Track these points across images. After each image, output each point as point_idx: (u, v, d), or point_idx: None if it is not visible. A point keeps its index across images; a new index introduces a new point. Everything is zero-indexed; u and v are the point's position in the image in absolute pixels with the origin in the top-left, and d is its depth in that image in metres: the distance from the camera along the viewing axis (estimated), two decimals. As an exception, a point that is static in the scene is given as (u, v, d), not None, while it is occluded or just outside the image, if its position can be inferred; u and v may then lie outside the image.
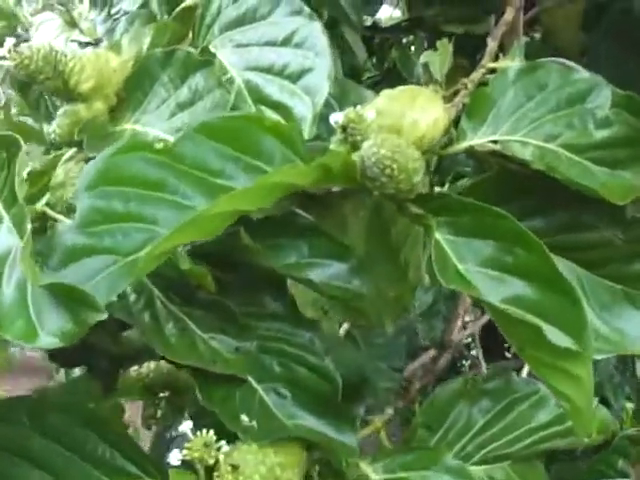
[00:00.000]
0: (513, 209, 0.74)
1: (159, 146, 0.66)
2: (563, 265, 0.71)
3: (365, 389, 1.10)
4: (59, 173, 0.83)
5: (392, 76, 1.74)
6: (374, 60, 1.98)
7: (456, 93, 0.88)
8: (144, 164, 0.65)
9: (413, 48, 1.77)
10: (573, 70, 0.76)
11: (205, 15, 0.88)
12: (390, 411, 0.95)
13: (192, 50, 0.80)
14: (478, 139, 0.76)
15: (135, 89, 0.84)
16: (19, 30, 1.43)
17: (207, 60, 0.78)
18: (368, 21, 1.71)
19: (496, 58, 0.96)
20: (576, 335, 0.61)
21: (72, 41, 1.28)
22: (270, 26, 0.82)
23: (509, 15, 1.01)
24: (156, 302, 0.75)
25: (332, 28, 1.29)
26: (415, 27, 1.73)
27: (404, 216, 0.73)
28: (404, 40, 1.81)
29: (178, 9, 0.97)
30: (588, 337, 0.61)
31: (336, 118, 0.71)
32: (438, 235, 0.69)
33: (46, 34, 1.32)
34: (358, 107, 0.73)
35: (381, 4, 1.74)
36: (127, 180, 0.65)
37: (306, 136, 0.74)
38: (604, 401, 1.59)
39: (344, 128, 0.71)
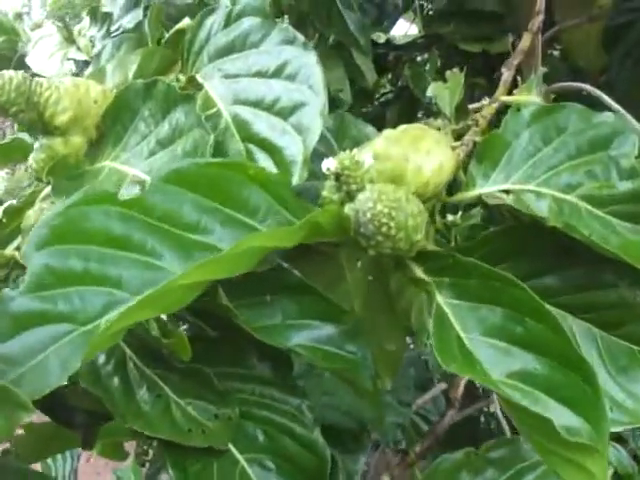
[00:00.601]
0: (525, 264, 0.66)
1: (124, 197, 0.58)
2: (578, 326, 0.64)
3: (365, 438, 1.01)
4: (30, 214, 0.74)
5: (405, 95, 1.64)
6: (389, 75, 1.89)
7: (467, 128, 0.79)
8: (107, 218, 0.57)
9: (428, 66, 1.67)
10: (596, 112, 0.66)
11: (194, 41, 0.79)
12: (386, 478, 0.86)
13: (173, 84, 0.71)
14: (488, 187, 0.66)
15: (115, 122, 0.75)
16: (20, 45, 1.35)
17: (188, 95, 0.69)
18: (382, 38, 1.62)
19: (513, 86, 0.87)
20: (591, 420, 0.53)
21: (68, 59, 1.20)
22: (261, 55, 0.73)
23: (526, 42, 0.91)
24: (128, 364, 0.67)
25: (340, 48, 1.20)
26: (431, 45, 1.64)
27: (403, 275, 0.63)
28: (419, 58, 1.72)
29: (170, 32, 0.89)
30: (604, 426, 0.52)
31: (328, 164, 0.62)
32: (440, 298, 0.60)
33: (43, 50, 1.24)
34: (354, 151, 0.64)
35: (396, 21, 1.64)
36: (87, 236, 0.56)
37: (295, 182, 0.66)
38: (620, 439, 1.48)
39: (338, 176, 0.62)
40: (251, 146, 0.70)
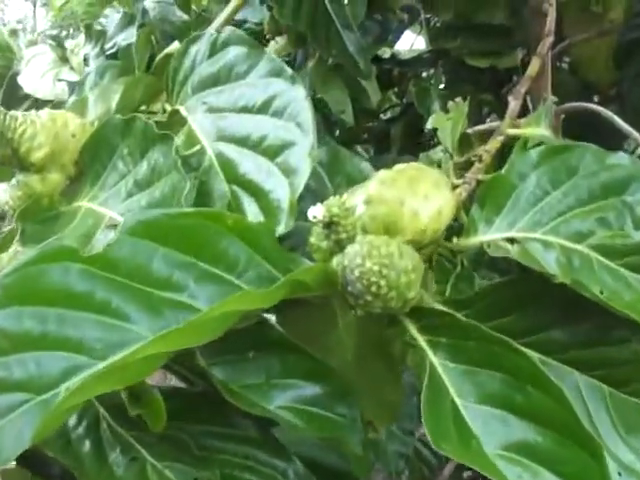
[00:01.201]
0: (530, 317, 0.60)
1: (87, 253, 0.52)
2: (585, 383, 0.58)
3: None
4: (3, 258, 0.68)
5: (411, 112, 1.57)
6: (395, 89, 1.82)
7: (470, 163, 0.72)
8: (66, 275, 0.51)
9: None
10: (610, 153, 0.60)
11: (179, 70, 0.73)
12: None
13: (150, 122, 0.64)
14: (491, 234, 0.60)
15: (94, 160, 0.70)
16: (15, 63, 1.29)
17: (165, 135, 0.63)
18: (386, 53, 1.55)
19: (522, 114, 0.80)
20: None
21: (59, 80, 1.14)
22: (247, 88, 0.67)
23: (535, 66, 0.84)
24: (101, 424, 0.61)
25: (342, 67, 1.13)
26: (437, 60, 1.57)
27: (396, 332, 0.57)
28: (424, 74, 1.65)
29: (158, 58, 0.82)
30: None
31: (315, 212, 0.55)
32: (434, 360, 0.54)
33: (36, 70, 1.18)
34: (344, 196, 0.57)
35: (400, 35, 1.57)
36: (44, 296, 0.50)
37: (281, 231, 0.59)
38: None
39: (326, 225, 0.56)
40: (236, 188, 0.64)
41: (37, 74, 1.17)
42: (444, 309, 0.57)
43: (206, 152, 0.67)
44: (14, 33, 1.37)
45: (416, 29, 1.82)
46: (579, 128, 1.05)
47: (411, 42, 1.79)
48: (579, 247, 0.57)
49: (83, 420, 0.61)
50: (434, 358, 0.54)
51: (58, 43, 1.23)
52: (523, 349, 0.51)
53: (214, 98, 0.69)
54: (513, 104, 0.76)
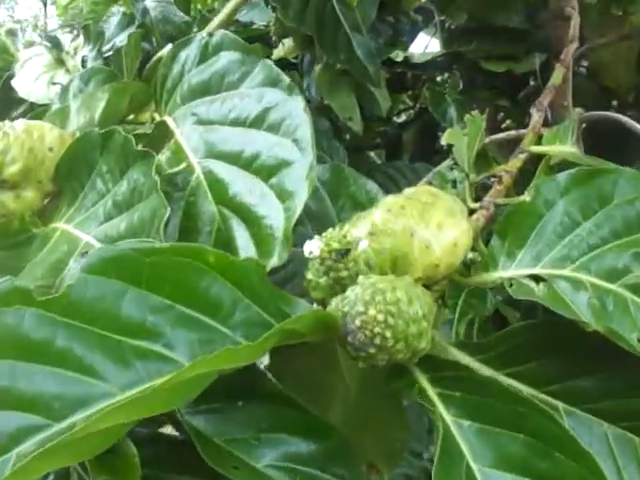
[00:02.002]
0: (556, 364, 0.52)
1: (57, 286, 0.44)
2: (614, 434, 0.51)
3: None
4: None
5: (425, 117, 1.49)
6: (409, 92, 1.73)
7: (488, 186, 0.64)
8: (20, 321, 0.43)
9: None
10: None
11: (167, 76, 0.65)
12: None
13: (130, 136, 0.56)
14: (513, 270, 0.51)
15: (70, 176, 0.62)
16: (13, 65, 1.22)
17: (145, 153, 0.55)
18: (399, 56, 1.46)
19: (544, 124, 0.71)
20: None
21: (54, 84, 1.06)
22: (240, 99, 0.59)
23: (558, 76, 0.75)
24: (72, 476, 0.53)
25: (347, 73, 1.05)
26: (451, 64, 1.48)
27: (403, 383, 0.49)
28: (439, 77, 1.56)
29: (150, 63, 0.74)
30: None
31: (311, 248, 0.47)
32: (447, 417, 0.46)
33: (30, 72, 1.11)
34: (345, 227, 0.49)
35: (414, 38, 1.48)
36: (-5, 346, 0.42)
37: (274, 264, 0.51)
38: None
39: (323, 261, 0.47)
40: (226, 211, 0.56)
41: (31, 77, 1.09)
42: (459, 359, 0.49)
43: (194, 170, 0.59)
44: (12, 33, 1.29)
45: (430, 31, 1.73)
46: (598, 137, 0.97)
47: (425, 44, 1.70)
48: (613, 287, 0.49)
49: (50, 473, 0.53)
50: (447, 415, 0.46)
51: (55, 44, 1.15)
52: (550, 411, 0.42)
53: (204, 109, 0.61)
54: (536, 117, 0.68)
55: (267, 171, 0.55)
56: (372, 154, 1.71)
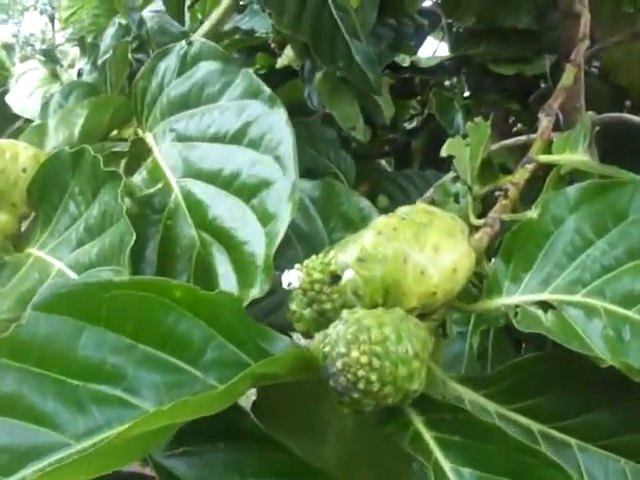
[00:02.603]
0: (569, 398, 0.46)
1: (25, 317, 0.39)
2: (633, 470, 0.45)
3: None
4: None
5: (433, 123, 1.42)
6: (418, 97, 1.67)
7: (493, 200, 0.58)
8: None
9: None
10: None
11: (146, 90, 0.60)
12: None
13: (98, 156, 0.51)
14: (519, 296, 0.46)
15: (42, 199, 0.57)
16: (9, 80, 1.17)
17: (112, 174, 0.50)
18: (406, 61, 1.40)
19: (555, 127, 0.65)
20: None
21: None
22: (219, 112, 0.54)
23: (569, 76, 0.69)
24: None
25: (349, 80, 0.99)
26: (459, 68, 1.42)
27: (397, 425, 0.43)
28: (447, 82, 1.50)
29: (137, 76, 0.69)
30: None
31: (291, 278, 0.42)
32: (445, 464, 0.40)
33: (25, 87, 1.06)
34: (330, 254, 0.44)
35: (422, 42, 1.42)
36: None
37: (255, 295, 0.46)
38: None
39: (306, 292, 0.42)
40: (206, 236, 0.51)
41: (25, 92, 1.05)
42: (461, 394, 0.43)
43: (172, 190, 0.53)
44: (8, 47, 1.25)
45: (438, 35, 1.67)
46: (612, 139, 0.91)
47: (434, 49, 1.65)
48: (630, 313, 0.43)
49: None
50: (444, 461, 0.41)
51: (50, 58, 1.11)
52: (563, 465, 0.37)
53: (183, 124, 0.55)
54: (545, 122, 0.62)
55: (248, 191, 0.50)
56: (382, 162, 1.65)
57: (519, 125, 1.45)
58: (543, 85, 1.43)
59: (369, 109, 1.05)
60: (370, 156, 1.50)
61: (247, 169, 0.50)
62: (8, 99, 1.04)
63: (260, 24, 1.20)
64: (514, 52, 1.36)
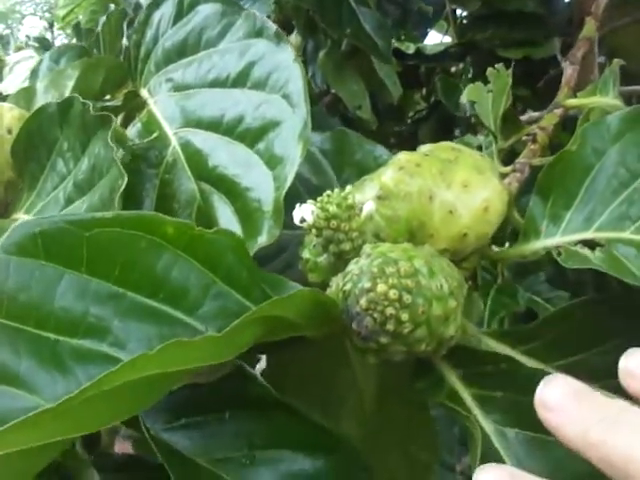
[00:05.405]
0: (621, 350, 0.39)
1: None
2: None
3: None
4: None
5: (439, 111, 1.38)
6: (423, 91, 1.62)
7: (521, 147, 0.53)
8: None
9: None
10: None
11: (140, 43, 0.54)
12: None
13: (88, 103, 0.46)
14: (560, 237, 0.40)
15: (28, 159, 0.51)
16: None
17: (104, 117, 0.44)
18: (411, 48, 1.35)
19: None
20: None
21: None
22: (220, 56, 0.48)
23: (589, 28, 0.64)
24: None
25: (357, 57, 0.94)
26: (465, 54, 1.37)
27: (428, 383, 0.37)
28: (453, 69, 1.45)
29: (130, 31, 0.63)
30: None
31: (303, 213, 0.36)
32: (487, 425, 0.34)
33: (18, 76, 1.01)
34: (347, 188, 0.38)
35: (426, 31, 1.38)
36: None
37: (263, 242, 0.40)
38: None
39: (319, 231, 0.36)
40: (206, 187, 0.45)
41: (19, 80, 1.00)
42: (497, 348, 0.37)
43: (169, 142, 0.48)
44: (2, 39, 1.21)
45: (442, 28, 1.62)
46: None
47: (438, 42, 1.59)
48: (687, 248, 0.37)
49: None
50: (486, 422, 0.35)
51: (43, 46, 1.06)
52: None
53: (180, 73, 0.50)
54: (570, 70, 0.57)
55: (252, 135, 0.44)
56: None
57: (529, 112, 1.40)
58: (552, 72, 1.38)
59: (375, 89, 1.00)
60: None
61: (252, 112, 0.44)
62: (1, 88, 1.00)
63: (260, 8, 1.15)
64: (521, 36, 1.32)
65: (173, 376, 0.29)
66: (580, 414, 0.28)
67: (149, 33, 0.54)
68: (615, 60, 0.64)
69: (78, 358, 0.32)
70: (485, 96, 0.53)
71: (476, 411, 0.35)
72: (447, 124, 1.37)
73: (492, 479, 0.27)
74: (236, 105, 0.46)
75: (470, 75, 1.26)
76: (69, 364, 0.32)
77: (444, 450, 1.14)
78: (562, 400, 0.29)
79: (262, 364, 0.47)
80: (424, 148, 0.43)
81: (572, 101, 0.53)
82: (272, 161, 0.43)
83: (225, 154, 0.45)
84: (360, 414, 0.47)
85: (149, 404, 0.31)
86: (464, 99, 0.54)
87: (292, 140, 0.42)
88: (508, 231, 0.47)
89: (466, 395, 0.36)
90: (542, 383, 0.30)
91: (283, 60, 0.45)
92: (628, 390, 0.30)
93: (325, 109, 1.18)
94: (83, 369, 0.32)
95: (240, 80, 0.46)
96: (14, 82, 1.00)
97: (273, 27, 0.46)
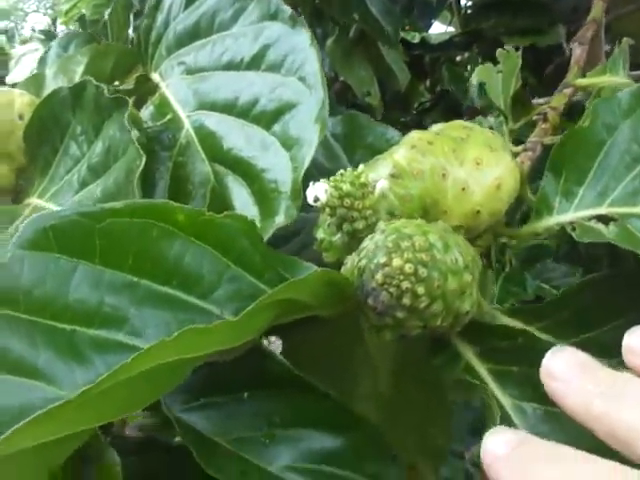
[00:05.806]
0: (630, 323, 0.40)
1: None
2: None
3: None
4: None
5: (445, 100, 1.37)
6: (427, 83, 1.62)
7: (531, 127, 0.53)
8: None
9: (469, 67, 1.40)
10: None
11: (151, 28, 0.55)
12: None
13: (102, 86, 0.46)
14: (573, 213, 0.40)
15: (41, 143, 0.52)
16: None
17: (118, 100, 0.45)
18: (416, 38, 1.35)
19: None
20: None
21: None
22: (234, 39, 0.48)
23: (598, 9, 0.64)
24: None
25: (365, 44, 0.94)
26: (471, 43, 1.37)
27: (444, 358, 0.38)
28: (458, 58, 1.45)
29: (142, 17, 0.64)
30: None
31: (317, 192, 0.36)
32: (504, 400, 0.35)
33: (24, 69, 1.02)
34: (360, 167, 0.38)
35: (430, 22, 1.38)
36: None
37: (280, 222, 0.41)
38: None
39: (333, 209, 0.37)
40: (221, 169, 0.45)
41: (26, 73, 1.00)
42: (513, 324, 0.38)
43: (183, 125, 0.48)
44: (7, 33, 1.21)
45: (445, 19, 1.62)
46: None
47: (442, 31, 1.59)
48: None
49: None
50: (503, 397, 0.35)
51: (49, 38, 1.06)
52: None
53: (193, 57, 0.50)
54: (579, 50, 0.57)
55: (268, 117, 0.44)
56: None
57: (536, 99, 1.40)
58: (558, 60, 1.38)
59: (382, 76, 1.00)
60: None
61: (267, 94, 0.45)
62: (8, 81, 1.00)
63: None
64: (526, 23, 1.31)
65: (191, 361, 0.30)
66: (584, 385, 0.28)
67: (160, 17, 0.54)
68: (625, 39, 0.64)
69: (96, 348, 0.32)
70: (495, 77, 0.53)
71: (493, 385, 0.36)
72: (453, 113, 1.37)
73: (501, 443, 0.27)
74: (251, 87, 0.46)
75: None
76: (87, 354, 0.32)
77: (455, 438, 1.13)
78: (567, 370, 0.29)
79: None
80: (436, 127, 0.43)
81: (582, 80, 0.53)
82: (288, 142, 0.43)
83: (240, 136, 0.45)
84: (377, 395, 0.48)
85: (169, 389, 0.32)
86: (474, 81, 0.54)
87: (309, 122, 0.42)
88: (520, 213, 0.47)
89: (482, 370, 0.36)
90: (549, 353, 0.30)
91: (299, 43, 0.45)
92: (629, 366, 0.30)
93: (334, 97, 1.19)
94: (101, 358, 0.32)
95: (255, 63, 0.46)
96: (22, 73, 1.00)
97: (288, 10, 0.46)
